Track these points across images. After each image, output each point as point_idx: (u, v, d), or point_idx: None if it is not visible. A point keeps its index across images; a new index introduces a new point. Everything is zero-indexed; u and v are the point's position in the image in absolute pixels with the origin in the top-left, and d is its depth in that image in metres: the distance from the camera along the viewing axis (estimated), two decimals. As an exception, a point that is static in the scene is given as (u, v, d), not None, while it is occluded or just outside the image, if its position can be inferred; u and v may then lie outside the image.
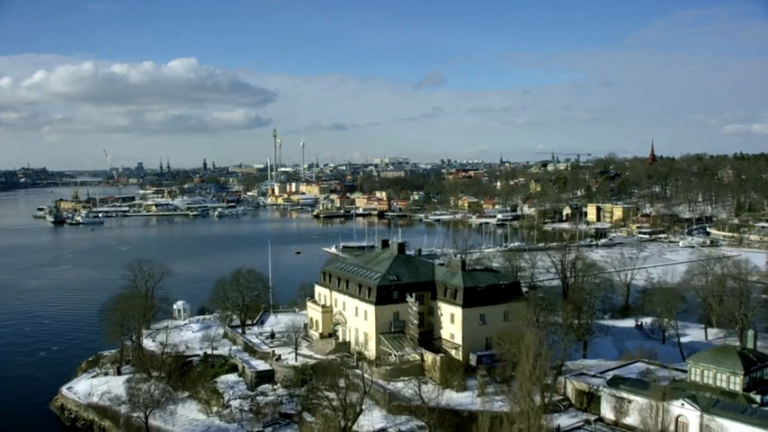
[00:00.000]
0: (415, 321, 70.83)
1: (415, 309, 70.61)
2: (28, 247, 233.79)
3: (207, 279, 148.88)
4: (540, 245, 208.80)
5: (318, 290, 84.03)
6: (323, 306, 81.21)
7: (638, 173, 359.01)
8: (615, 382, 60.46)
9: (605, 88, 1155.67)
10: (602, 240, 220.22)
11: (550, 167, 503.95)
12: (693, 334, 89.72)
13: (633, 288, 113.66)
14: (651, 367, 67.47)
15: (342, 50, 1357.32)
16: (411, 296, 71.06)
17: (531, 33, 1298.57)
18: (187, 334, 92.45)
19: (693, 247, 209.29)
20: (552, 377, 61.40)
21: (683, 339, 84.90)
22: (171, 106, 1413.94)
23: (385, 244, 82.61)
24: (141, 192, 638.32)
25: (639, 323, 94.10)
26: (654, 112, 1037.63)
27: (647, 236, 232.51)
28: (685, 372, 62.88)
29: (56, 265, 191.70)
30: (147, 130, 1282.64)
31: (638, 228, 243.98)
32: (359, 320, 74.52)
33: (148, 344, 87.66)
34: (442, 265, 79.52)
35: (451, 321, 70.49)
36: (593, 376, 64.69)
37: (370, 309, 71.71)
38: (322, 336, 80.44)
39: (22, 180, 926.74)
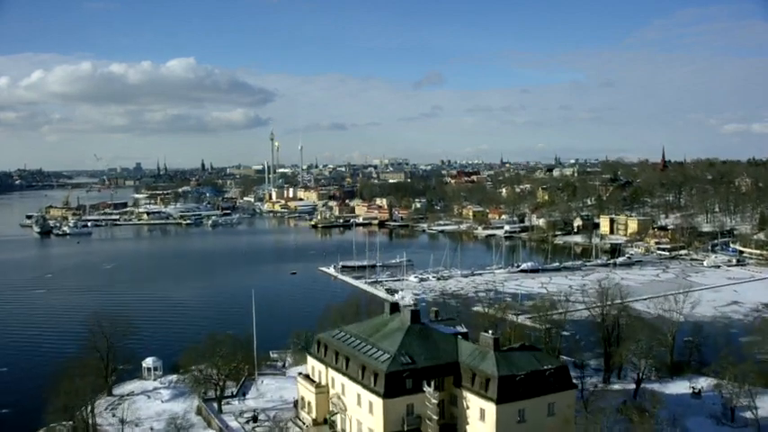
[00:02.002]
0: (435, 417, 55.33)
1: (434, 402, 55.16)
2: (6, 265, 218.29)
3: (189, 314, 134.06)
4: (556, 264, 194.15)
5: (311, 362, 68.35)
6: (317, 385, 65.57)
7: (650, 179, 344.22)
8: None
9: (605, 88, 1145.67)
10: (620, 259, 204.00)
11: (556, 173, 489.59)
12: (765, 406, 74.26)
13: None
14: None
15: (341, 50, 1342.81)
16: (429, 385, 55.63)
17: (531, 33, 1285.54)
18: (154, 405, 77.02)
19: (719, 266, 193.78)
20: None
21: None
22: (170, 106, 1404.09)
23: (395, 308, 66.49)
24: (135, 196, 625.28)
25: (697, 390, 78.78)
26: (654, 111, 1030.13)
27: (667, 253, 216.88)
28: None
29: (30, 289, 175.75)
30: (147, 130, 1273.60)
31: (656, 243, 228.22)
32: (362, 412, 58.97)
33: (107, 420, 72.52)
34: (466, 335, 63.68)
35: (481, 418, 54.95)
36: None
37: (377, 402, 56.10)
38: (315, 422, 64.90)
39: (17, 182, 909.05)
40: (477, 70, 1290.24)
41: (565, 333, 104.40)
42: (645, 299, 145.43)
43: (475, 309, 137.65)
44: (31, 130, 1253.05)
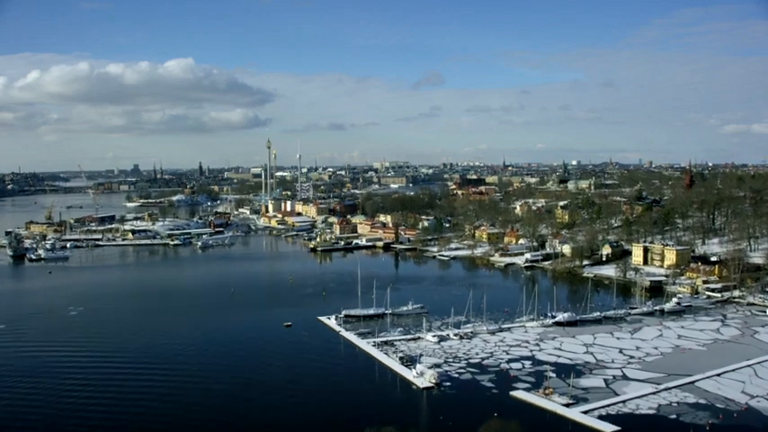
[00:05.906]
0: None
1: None
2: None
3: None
4: (596, 314, 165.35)
5: None
6: None
7: (679, 198, 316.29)
8: None
9: (605, 88, 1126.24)
10: (668, 305, 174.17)
11: (571, 185, 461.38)
12: None
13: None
14: None
15: (340, 49, 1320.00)
16: None
17: (530, 33, 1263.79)
18: None
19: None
20: None
21: None
22: (168, 106, 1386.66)
23: None
24: (127, 205, 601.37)
25: None
26: (654, 111, 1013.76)
27: (719, 295, 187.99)
28: None
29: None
30: (145, 130, 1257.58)
31: (704, 282, 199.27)
32: None
33: None
34: None
35: None
36: None
37: None
38: None
39: (9, 187, 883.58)
40: (476, 70, 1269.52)
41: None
42: (714, 376, 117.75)
43: (514, 394, 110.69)
44: (29, 130, 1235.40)
